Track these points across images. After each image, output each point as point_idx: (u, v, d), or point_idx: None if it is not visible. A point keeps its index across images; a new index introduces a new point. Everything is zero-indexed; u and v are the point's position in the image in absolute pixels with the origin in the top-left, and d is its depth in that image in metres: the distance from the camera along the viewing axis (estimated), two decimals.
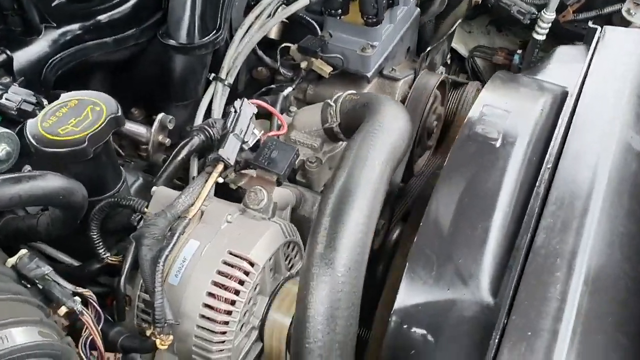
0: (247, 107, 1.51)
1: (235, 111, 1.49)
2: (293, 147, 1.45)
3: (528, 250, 1.39)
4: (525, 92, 1.74)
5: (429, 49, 2.14)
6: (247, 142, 1.48)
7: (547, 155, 1.60)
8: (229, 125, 1.45)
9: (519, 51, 2.70)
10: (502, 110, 1.63)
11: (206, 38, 1.77)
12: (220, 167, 1.39)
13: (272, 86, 1.98)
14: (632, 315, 1.33)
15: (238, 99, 1.51)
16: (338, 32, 1.92)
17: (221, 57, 1.86)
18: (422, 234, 1.43)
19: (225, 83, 1.84)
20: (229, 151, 1.41)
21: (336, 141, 1.77)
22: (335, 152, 1.80)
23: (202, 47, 1.77)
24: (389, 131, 1.47)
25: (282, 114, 1.92)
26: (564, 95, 1.83)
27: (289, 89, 1.91)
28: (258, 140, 1.51)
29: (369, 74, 1.90)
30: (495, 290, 1.38)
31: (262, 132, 1.52)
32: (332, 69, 1.91)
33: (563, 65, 2.04)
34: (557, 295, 1.27)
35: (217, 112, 1.82)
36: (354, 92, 1.73)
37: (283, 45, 1.93)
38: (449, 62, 2.83)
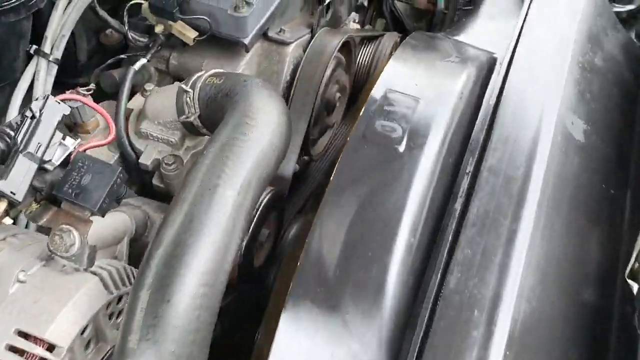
0: (53, 109, 1.07)
1: (33, 116, 1.05)
2: (113, 167, 1.03)
3: (437, 297, 1.05)
4: (442, 67, 1.35)
5: (327, 1, 1.71)
6: (49, 160, 1.05)
7: (467, 156, 1.24)
8: (19, 139, 1.01)
9: None
10: (410, 96, 1.24)
11: None
12: (2, 206, 0.97)
13: (123, 56, 1.52)
14: None
15: (39, 98, 1.07)
16: None
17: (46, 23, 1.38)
18: (302, 276, 1.07)
19: (51, 58, 1.38)
20: (16, 180, 0.99)
21: (200, 134, 1.36)
22: (201, 147, 1.39)
23: (10, 12, 1.29)
24: (255, 137, 1.07)
25: (134, 93, 1.48)
26: (491, 64, 1.46)
27: (142, 61, 1.46)
28: (70, 154, 1.08)
29: (245, 40, 1.46)
30: (393, 355, 1.04)
31: (78, 140, 1.09)
32: (197, 34, 1.46)
33: (492, 21, 1.65)
34: None
35: (38, 96, 1.36)
36: (218, 71, 1.31)
37: (132, 2, 1.46)
38: (365, 3, 2.39)
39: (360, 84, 2.05)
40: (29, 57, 1.39)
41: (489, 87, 1.38)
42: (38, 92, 1.36)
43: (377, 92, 1.25)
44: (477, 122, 1.30)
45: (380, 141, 1.17)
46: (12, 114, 1.34)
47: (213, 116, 1.26)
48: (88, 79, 1.57)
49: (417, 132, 1.18)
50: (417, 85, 1.27)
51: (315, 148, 1.75)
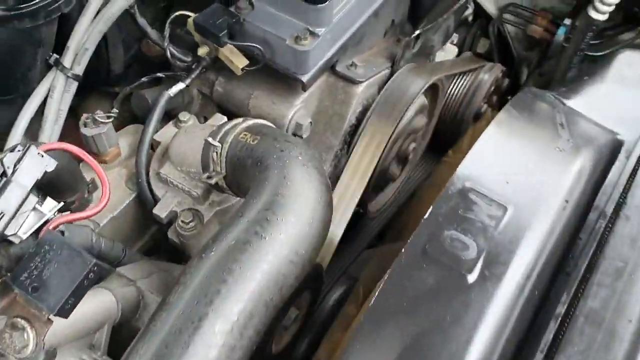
0: (33, 163, 0.84)
1: (4, 173, 0.82)
2: (85, 258, 0.79)
3: None
4: (546, 158, 1.02)
5: (417, 32, 1.39)
6: (15, 233, 0.83)
7: (559, 287, 0.92)
8: None
9: (567, 21, 1.89)
10: (496, 202, 0.93)
11: (33, 2, 1.06)
12: None
13: (160, 75, 1.27)
14: None
15: (18, 148, 0.84)
16: (264, 2, 1.18)
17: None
18: None
19: (70, 74, 1.15)
20: None
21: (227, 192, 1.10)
22: (229, 204, 1.14)
23: (26, 16, 1.07)
24: (273, 241, 0.81)
25: (173, 117, 1.23)
26: (614, 151, 1.12)
27: (180, 86, 1.22)
28: (46, 223, 0.86)
29: (304, 77, 1.18)
30: None
31: (56, 207, 0.86)
32: (246, 62, 1.20)
33: (623, 87, 1.29)
34: None
35: (51, 116, 1.15)
36: (257, 122, 1.04)
37: (178, 12, 1.21)
38: (470, 19, 2.04)
39: (447, 125, 1.74)
40: (48, 68, 1.17)
41: (607, 182, 1.05)
42: (51, 110, 1.15)
43: (453, 185, 0.94)
44: (581, 240, 0.97)
45: (446, 262, 0.87)
46: (16, 133, 1.13)
47: (240, 182, 1.00)
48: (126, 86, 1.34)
49: (496, 257, 0.88)
50: (509, 183, 0.96)
51: (374, 203, 1.47)
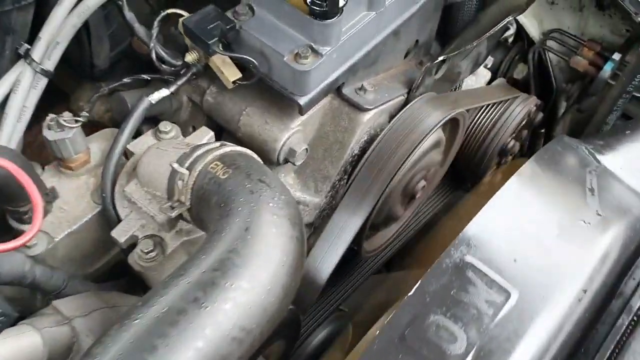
0: None
1: None
2: None
3: None
4: (567, 233, 0.86)
5: (442, 57, 1.23)
6: None
7: None
8: None
9: (617, 56, 1.70)
10: (498, 285, 0.77)
11: None
12: None
13: (145, 76, 1.13)
14: None
15: None
16: (265, 10, 1.04)
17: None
18: None
19: (38, 69, 1.02)
20: None
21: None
22: (198, 235, 1.00)
23: None
24: (214, 312, 0.67)
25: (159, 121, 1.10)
26: None
27: (163, 92, 1.08)
28: None
29: (301, 100, 1.03)
30: None
31: None
32: (239, 75, 1.06)
33: None
34: None
35: (12, 113, 1.02)
36: (235, 150, 0.90)
37: (168, 10, 1.07)
38: (509, 41, 1.87)
39: (468, 159, 1.57)
40: (18, 58, 1.05)
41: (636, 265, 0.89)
42: (12, 107, 1.02)
43: (449, 257, 0.79)
44: (597, 333, 0.81)
45: (426, 354, 0.72)
46: None
47: (203, 221, 0.86)
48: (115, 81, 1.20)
49: (489, 356, 0.72)
50: (517, 262, 0.80)
51: (371, 241, 1.32)
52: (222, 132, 1.20)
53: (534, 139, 1.93)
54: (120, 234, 0.99)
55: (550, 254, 0.82)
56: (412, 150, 1.16)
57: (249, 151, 0.92)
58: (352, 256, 1.32)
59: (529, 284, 0.78)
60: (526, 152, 1.96)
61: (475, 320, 0.74)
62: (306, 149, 1.11)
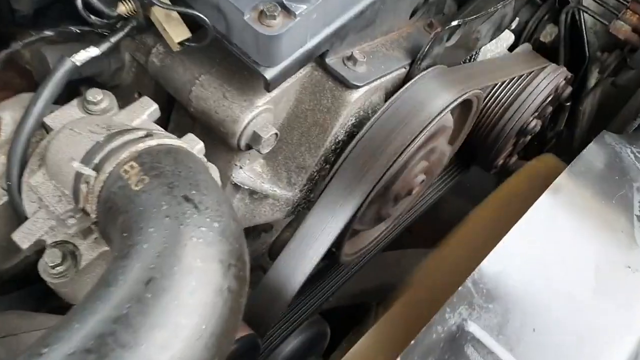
0: None
1: None
2: None
3: None
4: (612, 281, 0.63)
5: (456, 22, 0.97)
6: None
7: None
8: None
9: None
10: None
11: None
12: None
13: (73, 28, 0.88)
14: None
15: None
16: None
17: None
18: None
19: None
20: None
21: None
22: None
23: None
24: None
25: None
26: None
27: (91, 52, 0.83)
28: None
29: (267, 73, 0.79)
30: None
31: None
32: (188, 35, 0.81)
33: None
34: None
35: None
36: (161, 144, 0.66)
37: None
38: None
39: (480, 139, 1.33)
40: None
41: None
42: None
43: (443, 322, 0.56)
44: None
45: None
46: None
47: (110, 242, 0.63)
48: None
49: None
50: (536, 332, 0.57)
51: (353, 243, 1.09)
52: (175, 104, 0.96)
53: (556, 113, 1.68)
54: (23, 237, 0.76)
55: (581, 324, 0.59)
56: (413, 140, 0.91)
57: (184, 146, 0.68)
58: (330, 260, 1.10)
59: None
60: (546, 126, 1.72)
61: None
62: (275, 134, 0.87)
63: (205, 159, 0.79)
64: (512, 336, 0.56)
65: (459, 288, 0.57)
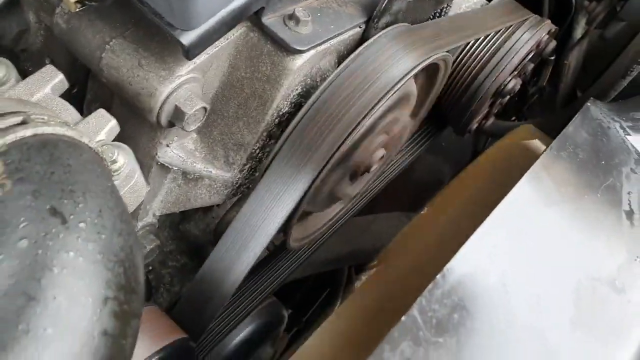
0: None
1: None
2: None
3: None
4: (593, 305, 0.51)
5: None
6: None
7: None
8: None
9: None
10: None
11: None
12: None
13: None
14: None
15: None
16: None
17: None
18: None
19: None
20: None
21: None
22: None
23: None
24: None
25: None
26: None
27: None
28: None
29: (185, 39, 0.65)
30: None
31: None
32: None
33: None
34: None
35: None
36: (42, 134, 0.52)
37: None
38: None
39: (452, 101, 1.20)
40: None
41: None
42: None
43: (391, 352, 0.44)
44: None
45: None
46: None
47: None
48: None
49: None
50: None
51: (303, 226, 0.97)
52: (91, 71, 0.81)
53: (538, 68, 1.55)
54: None
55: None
56: (369, 111, 0.78)
57: (70, 134, 0.54)
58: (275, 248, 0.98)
59: None
60: (528, 82, 1.60)
61: None
62: (204, 107, 0.74)
63: (114, 142, 0.66)
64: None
65: (402, 318, 0.45)
